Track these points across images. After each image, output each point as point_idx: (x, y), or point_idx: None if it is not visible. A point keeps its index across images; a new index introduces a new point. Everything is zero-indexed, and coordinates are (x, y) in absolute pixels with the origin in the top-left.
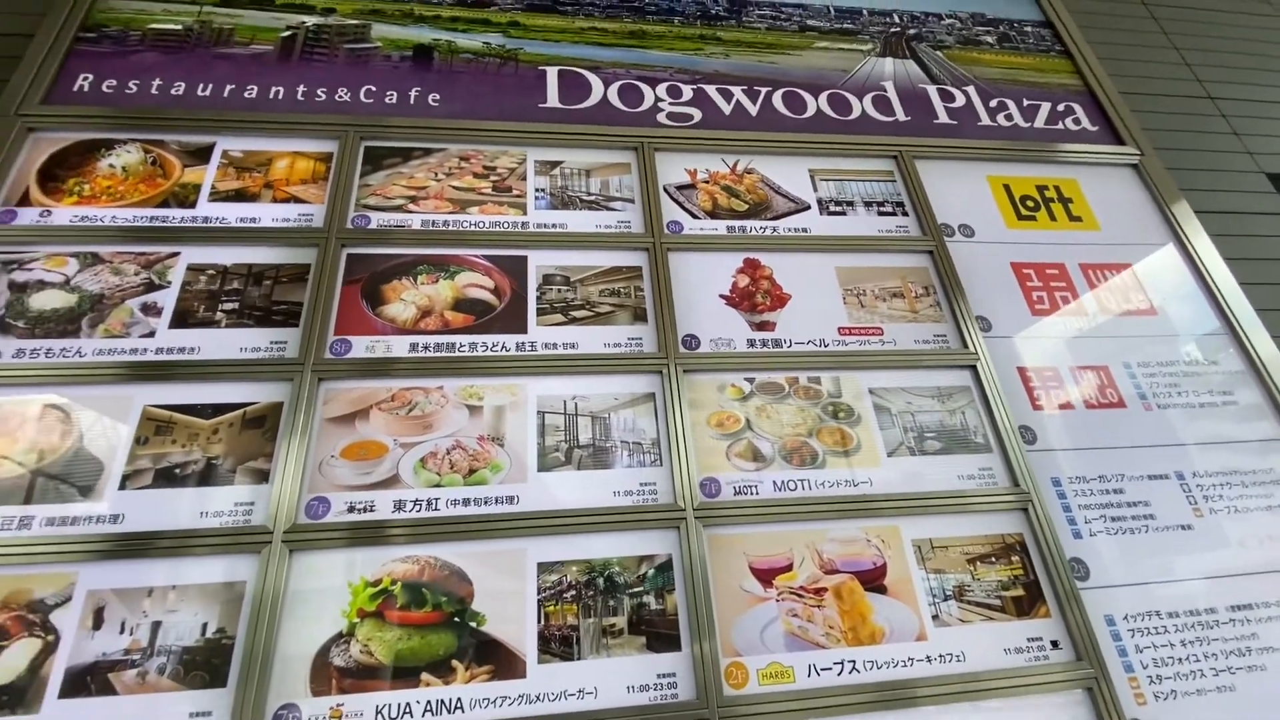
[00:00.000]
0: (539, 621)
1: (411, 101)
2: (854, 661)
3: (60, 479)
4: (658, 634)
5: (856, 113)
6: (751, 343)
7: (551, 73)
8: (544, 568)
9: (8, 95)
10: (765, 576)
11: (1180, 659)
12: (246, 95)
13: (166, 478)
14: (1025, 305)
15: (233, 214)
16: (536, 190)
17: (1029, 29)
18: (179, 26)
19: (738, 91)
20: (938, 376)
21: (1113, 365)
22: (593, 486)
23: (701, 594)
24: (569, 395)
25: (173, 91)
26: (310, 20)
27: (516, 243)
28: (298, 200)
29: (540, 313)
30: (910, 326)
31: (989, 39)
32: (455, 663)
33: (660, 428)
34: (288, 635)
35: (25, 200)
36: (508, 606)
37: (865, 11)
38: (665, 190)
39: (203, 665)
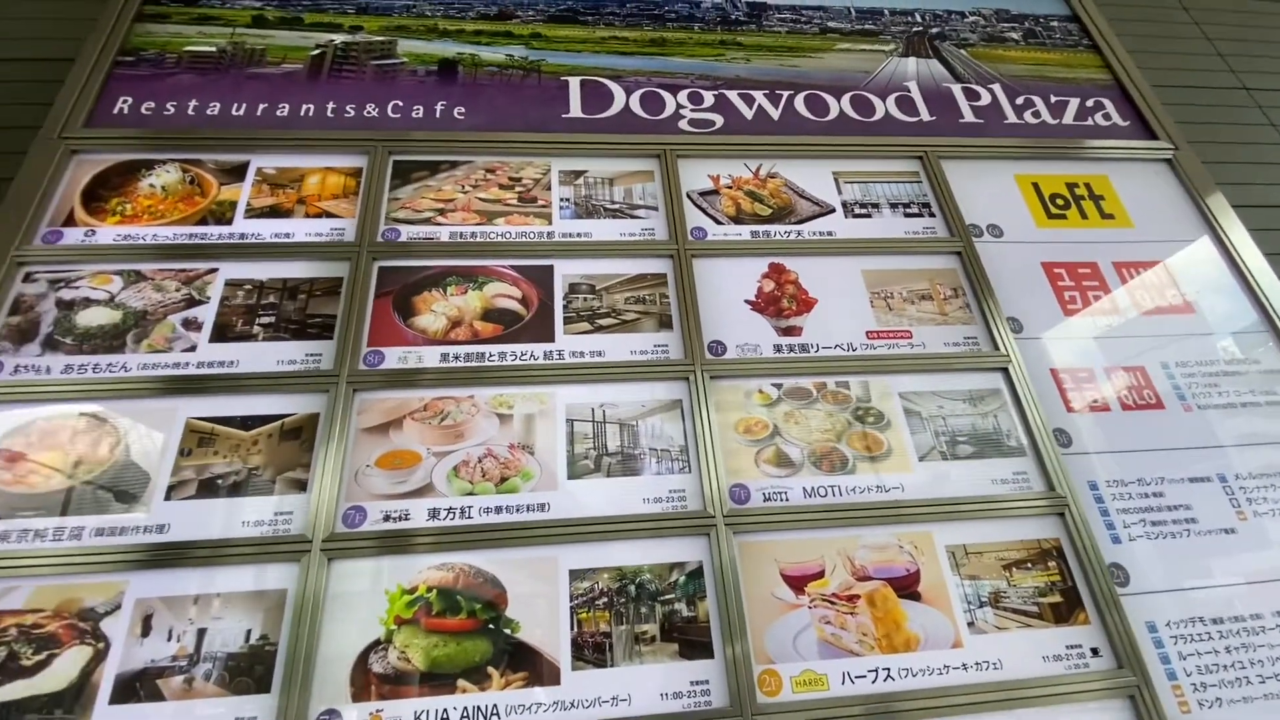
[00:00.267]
0: (572, 628)
1: (437, 115)
2: (888, 669)
3: (109, 490)
4: (690, 641)
5: (880, 114)
6: (778, 348)
7: (574, 83)
8: (575, 575)
9: (51, 119)
10: (797, 583)
11: (1225, 666)
12: (279, 113)
13: (209, 488)
14: (1057, 305)
15: (267, 230)
16: (561, 200)
17: (1055, 24)
18: (213, 48)
19: (759, 96)
20: (969, 379)
21: (1149, 365)
22: (622, 494)
23: (733, 601)
24: (597, 403)
25: (208, 112)
26: (338, 38)
27: (542, 252)
28: (330, 215)
29: (567, 321)
30: (940, 329)
31: (1014, 35)
32: (491, 669)
33: (688, 434)
34: (328, 642)
35: (70, 221)
36: (541, 613)
37: (887, 11)
38: (688, 197)
39: (247, 671)
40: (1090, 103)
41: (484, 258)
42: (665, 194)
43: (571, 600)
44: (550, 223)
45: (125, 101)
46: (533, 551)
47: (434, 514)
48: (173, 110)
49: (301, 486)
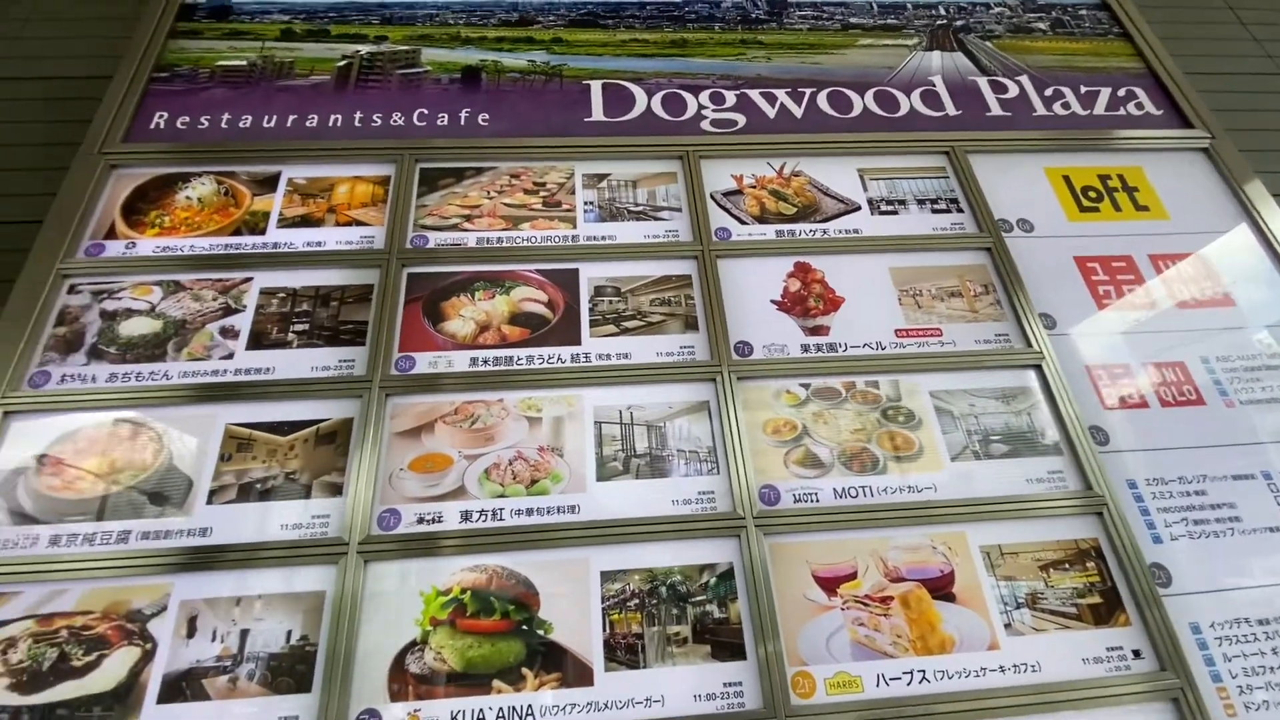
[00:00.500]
0: (604, 630)
1: (462, 122)
2: (924, 671)
3: (153, 494)
4: (722, 643)
5: (905, 109)
6: (805, 348)
7: (595, 86)
8: (607, 576)
9: (91, 135)
10: (829, 585)
11: (1273, 668)
12: (308, 124)
13: (249, 492)
14: (1091, 300)
15: (300, 239)
16: (585, 203)
17: (1084, 12)
18: (244, 62)
19: (781, 94)
20: (1001, 377)
21: (1189, 360)
22: (651, 495)
23: (765, 603)
24: (624, 405)
25: (240, 124)
26: (364, 49)
27: (567, 256)
28: (359, 223)
29: (593, 324)
30: (970, 326)
31: (1041, 25)
32: (525, 670)
33: (716, 436)
34: (366, 642)
35: (112, 234)
36: (573, 615)
37: (909, 5)
38: (712, 197)
39: (288, 671)
40: (1122, 92)
41: (510, 262)
42: (688, 195)
43: (603, 602)
44: (575, 226)
45: (161, 116)
46: (564, 553)
47: (466, 516)
48: (206, 124)
49: (337, 490)
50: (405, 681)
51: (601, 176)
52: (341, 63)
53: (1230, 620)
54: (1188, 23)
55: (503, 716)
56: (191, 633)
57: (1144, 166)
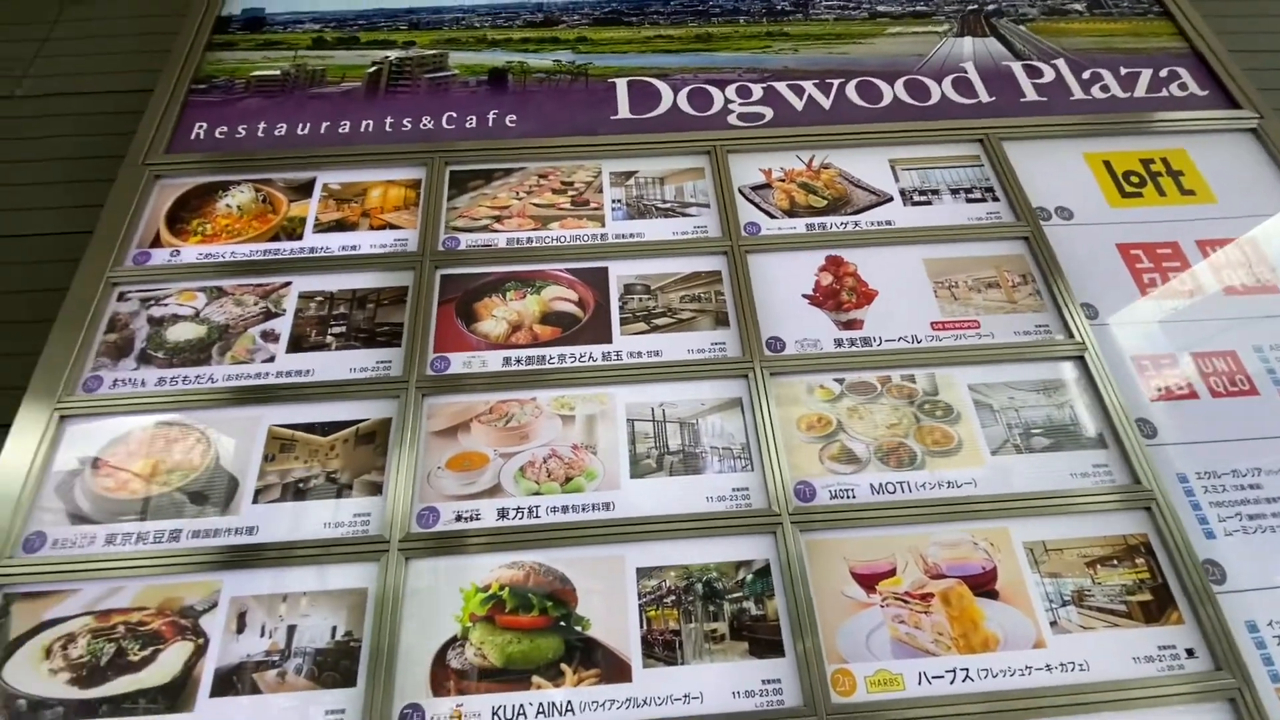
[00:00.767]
0: (641, 626)
1: (490, 124)
2: (967, 669)
3: (202, 494)
4: (760, 640)
5: (936, 97)
6: (839, 342)
7: (621, 84)
8: (643, 573)
9: (135, 147)
10: (868, 582)
11: None
12: (340, 130)
13: (293, 492)
14: (1135, 289)
15: (335, 243)
16: (613, 201)
17: None
18: (277, 72)
19: (809, 86)
20: (1042, 369)
21: (1240, 349)
22: (685, 492)
23: (802, 600)
24: (656, 402)
25: (275, 133)
26: (393, 54)
27: (597, 254)
28: (392, 226)
29: (624, 322)
30: (1009, 318)
31: (1077, 6)
32: (564, 666)
33: (749, 432)
34: (408, 638)
35: (157, 242)
36: (610, 611)
37: None
38: (740, 192)
39: (333, 666)
40: (1164, 73)
41: (540, 262)
42: (717, 190)
43: (640, 598)
44: (603, 225)
45: (200, 127)
46: (600, 550)
47: (503, 514)
48: (244, 133)
49: (377, 489)
50: (447, 677)
51: (629, 174)
52: (371, 69)
53: None
54: None
55: (543, 712)
56: (241, 628)
57: (1189, 149)
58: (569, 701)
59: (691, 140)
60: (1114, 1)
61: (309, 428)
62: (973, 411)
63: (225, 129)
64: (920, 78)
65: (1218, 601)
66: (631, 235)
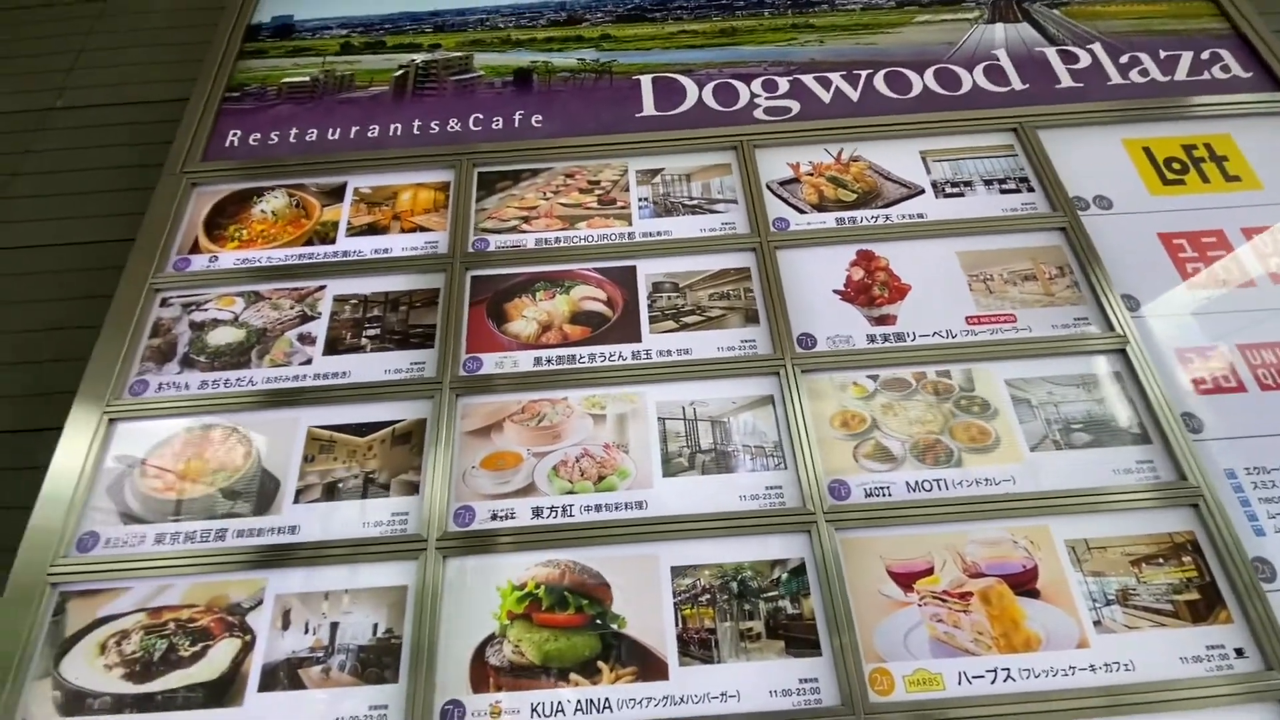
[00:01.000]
0: (676, 624)
1: (516, 125)
2: (1008, 669)
3: (245, 495)
4: (796, 638)
5: (967, 86)
6: (871, 338)
7: (645, 81)
8: (677, 571)
9: (173, 156)
10: (905, 580)
11: None
12: (369, 135)
13: (332, 491)
14: (1178, 279)
15: (367, 246)
16: (639, 200)
17: None
18: (307, 78)
19: (836, 78)
20: (1081, 363)
21: None
22: (718, 491)
23: (839, 598)
24: (687, 401)
25: (306, 138)
26: (419, 57)
27: (624, 253)
28: (423, 229)
29: (653, 320)
30: (1046, 311)
31: None
32: (601, 663)
33: (782, 430)
34: (447, 635)
35: (195, 248)
36: (645, 610)
37: None
38: (768, 187)
39: (375, 663)
40: (1205, 55)
41: (568, 262)
42: (744, 186)
43: (674, 597)
44: (630, 223)
45: (235, 135)
46: (634, 548)
47: (537, 512)
48: (276, 139)
49: (414, 488)
50: (486, 673)
51: (655, 172)
52: (398, 73)
53: None
54: None
55: (581, 709)
56: (286, 625)
57: (1233, 133)
58: (606, 699)
59: (718, 136)
60: None
61: (346, 429)
62: (1010, 407)
63: (258, 136)
64: (951, 66)
65: (1268, 600)
66: (659, 233)
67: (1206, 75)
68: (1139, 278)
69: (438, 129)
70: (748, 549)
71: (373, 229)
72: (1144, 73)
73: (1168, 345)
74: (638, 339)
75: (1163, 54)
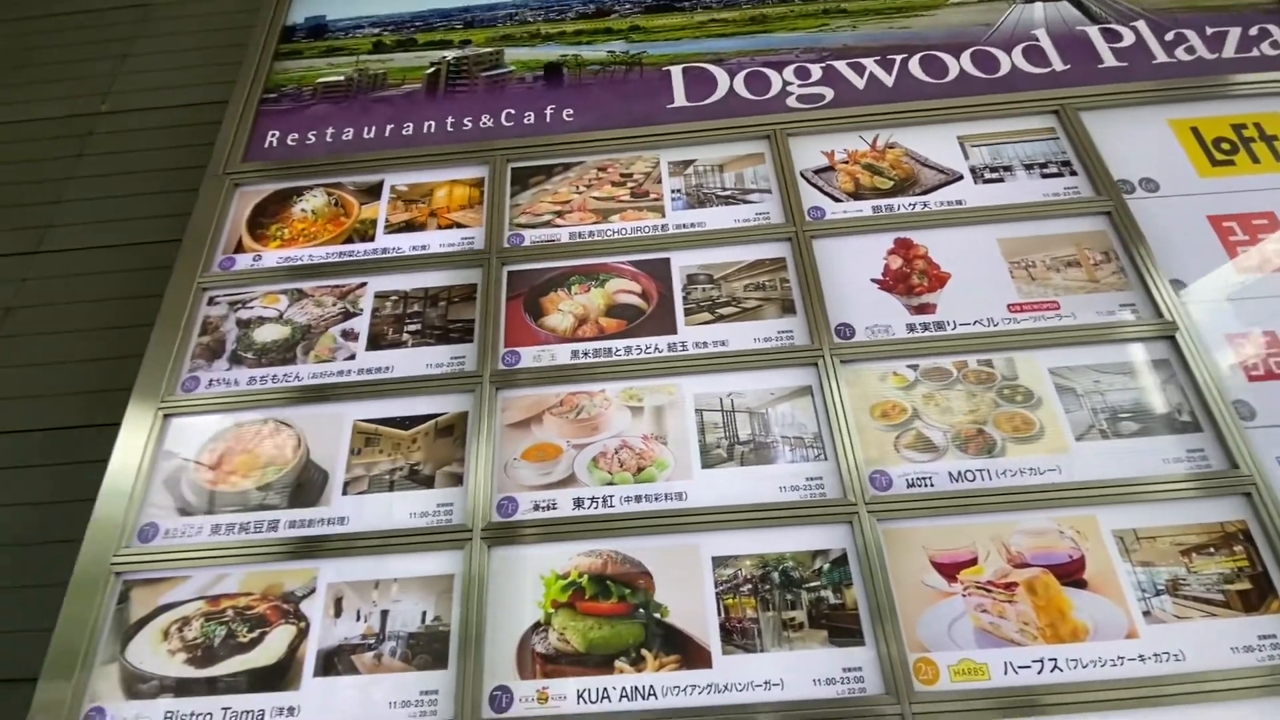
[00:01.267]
0: (719, 614)
1: (548, 119)
2: (1055, 660)
3: (296, 486)
4: (839, 628)
5: (1006, 68)
6: (911, 327)
7: (676, 72)
8: (718, 561)
9: (215, 157)
10: (948, 571)
11: None
12: (404, 133)
13: (379, 483)
14: (1229, 263)
15: (405, 243)
16: (672, 191)
17: None
18: (341, 78)
19: (870, 63)
20: (1128, 350)
21: None
22: (758, 482)
23: (882, 589)
24: (724, 392)
25: (343, 137)
26: (450, 54)
27: (658, 246)
28: (459, 225)
29: (688, 312)
30: (1091, 297)
31: None
32: (645, 651)
33: (821, 421)
34: (494, 623)
35: (240, 248)
36: (688, 599)
37: None
38: (802, 176)
39: (425, 649)
40: (1254, 31)
41: (603, 255)
42: (778, 175)
43: (716, 586)
44: (663, 215)
45: (273, 135)
46: (674, 539)
47: (578, 503)
48: (313, 139)
49: (458, 480)
50: (532, 660)
51: (687, 163)
52: (430, 70)
53: None
54: None
55: (626, 696)
56: (338, 613)
57: None
58: (651, 686)
59: (750, 125)
60: None
61: (390, 422)
62: (1054, 396)
63: (296, 136)
64: (988, 49)
65: None
66: (692, 225)
67: (1255, 52)
68: (1188, 262)
69: (470, 125)
70: (789, 540)
71: (410, 226)
72: (1190, 50)
73: (1218, 331)
74: (673, 331)
75: (1209, 30)
